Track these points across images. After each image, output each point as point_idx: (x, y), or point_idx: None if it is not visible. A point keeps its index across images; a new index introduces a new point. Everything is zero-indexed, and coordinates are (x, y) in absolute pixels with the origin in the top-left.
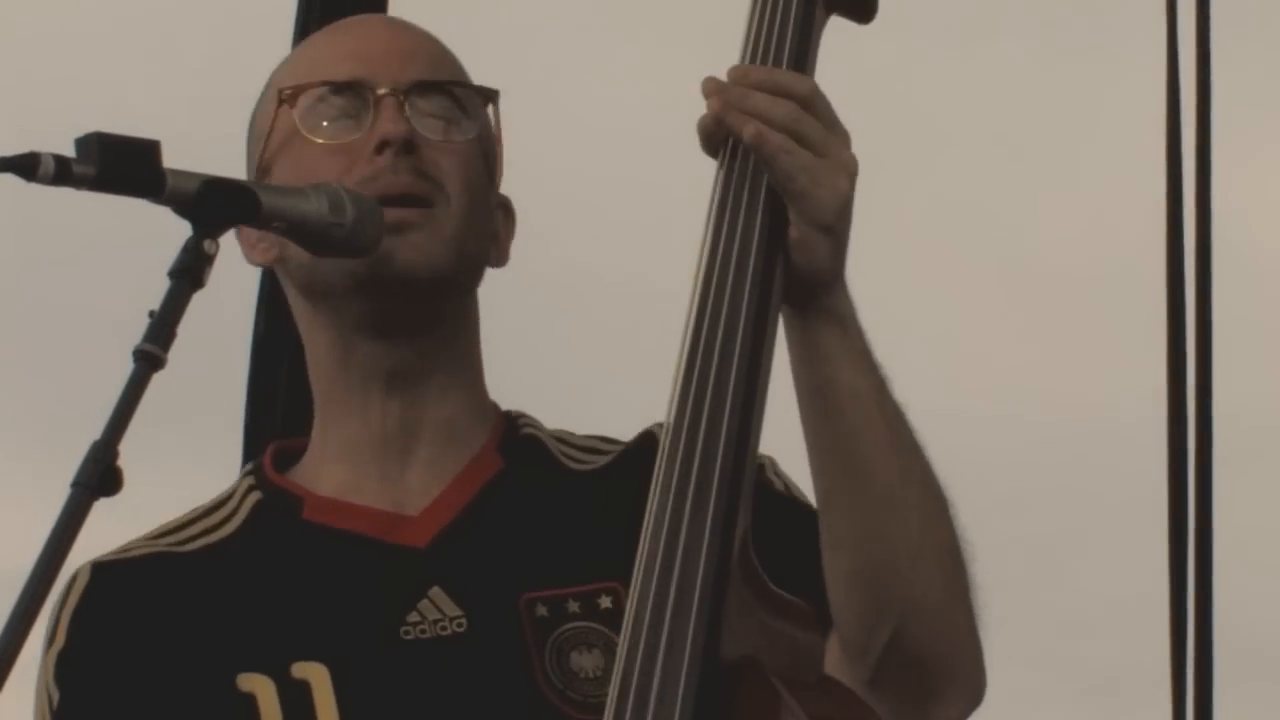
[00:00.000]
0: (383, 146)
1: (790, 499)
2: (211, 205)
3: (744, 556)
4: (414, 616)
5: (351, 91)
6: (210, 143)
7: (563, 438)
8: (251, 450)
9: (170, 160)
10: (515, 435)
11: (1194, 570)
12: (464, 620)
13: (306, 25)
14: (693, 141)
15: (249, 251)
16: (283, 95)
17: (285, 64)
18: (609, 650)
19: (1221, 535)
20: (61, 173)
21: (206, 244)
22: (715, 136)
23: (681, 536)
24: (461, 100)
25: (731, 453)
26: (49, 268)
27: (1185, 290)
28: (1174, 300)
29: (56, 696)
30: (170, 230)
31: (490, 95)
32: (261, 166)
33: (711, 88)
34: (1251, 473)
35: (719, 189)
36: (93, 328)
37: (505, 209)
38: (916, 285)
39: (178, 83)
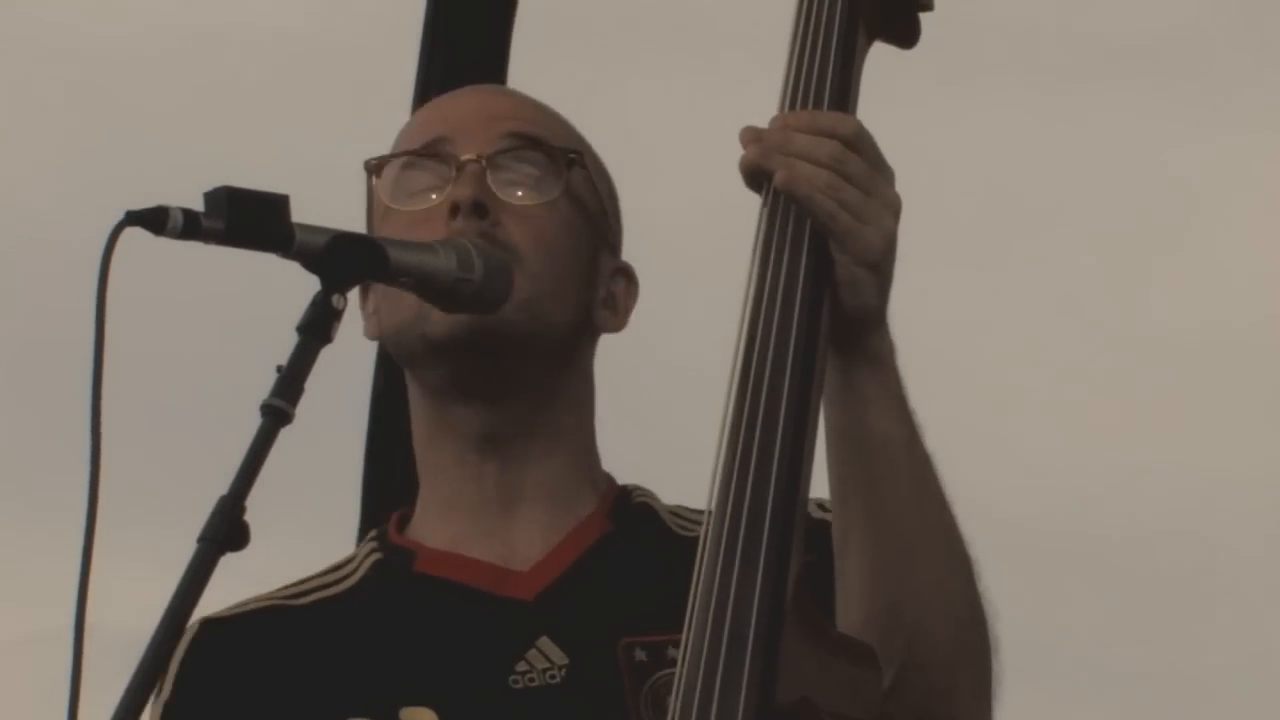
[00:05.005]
0: (455, 210)
1: None
2: (339, 260)
3: (799, 597)
4: (522, 666)
5: (436, 160)
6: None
7: (678, 511)
8: (369, 507)
9: (298, 216)
10: (627, 503)
11: None
12: (569, 666)
13: (427, 85)
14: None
15: (365, 324)
16: (368, 167)
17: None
18: None
19: None
20: (190, 227)
21: (335, 299)
22: (754, 178)
23: (734, 579)
24: (550, 163)
25: (782, 494)
26: (176, 323)
27: None
28: None
29: None
30: (298, 285)
31: (567, 157)
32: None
33: (749, 136)
34: None
35: (763, 226)
36: (218, 384)
37: (624, 274)
38: (1035, 357)
39: (303, 142)
